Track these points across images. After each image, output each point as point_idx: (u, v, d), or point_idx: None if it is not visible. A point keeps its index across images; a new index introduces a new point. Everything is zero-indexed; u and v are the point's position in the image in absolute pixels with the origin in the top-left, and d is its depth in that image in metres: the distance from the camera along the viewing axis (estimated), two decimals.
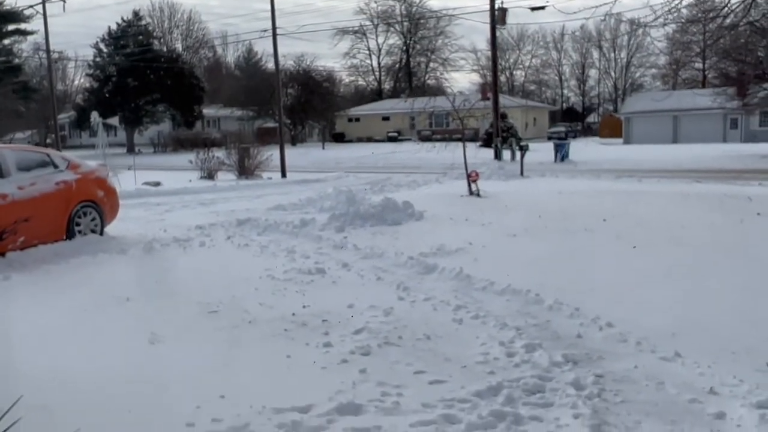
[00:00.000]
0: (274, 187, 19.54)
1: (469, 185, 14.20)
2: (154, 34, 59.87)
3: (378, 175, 22.04)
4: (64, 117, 55.72)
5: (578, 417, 3.68)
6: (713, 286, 6.43)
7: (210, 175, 22.18)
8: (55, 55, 42.61)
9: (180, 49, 67.67)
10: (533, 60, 78.03)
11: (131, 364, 4.51)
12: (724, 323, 5.31)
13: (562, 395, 3.99)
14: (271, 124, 52.10)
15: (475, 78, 76.89)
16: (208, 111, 57.84)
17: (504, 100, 43.90)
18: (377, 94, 73.82)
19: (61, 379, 4.18)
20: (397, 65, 78.15)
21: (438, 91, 57.49)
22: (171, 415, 3.66)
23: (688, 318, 5.46)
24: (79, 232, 9.20)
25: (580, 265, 7.46)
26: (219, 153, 23.30)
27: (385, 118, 59.55)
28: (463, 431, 3.56)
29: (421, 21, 72.80)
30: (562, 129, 55.86)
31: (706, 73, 54.17)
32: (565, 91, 79.19)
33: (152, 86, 47.58)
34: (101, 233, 9.56)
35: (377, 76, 79.23)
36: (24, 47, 48.44)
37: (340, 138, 60.01)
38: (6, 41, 43.51)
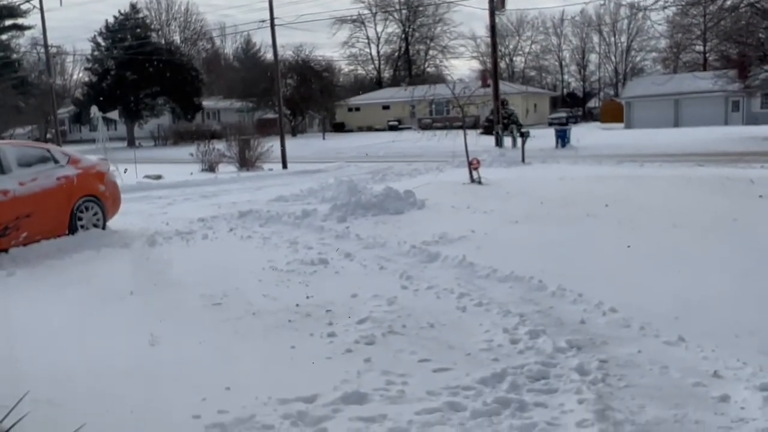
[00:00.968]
0: (275, 178, 19.54)
1: (471, 173, 14.18)
2: (152, 26, 59.70)
3: (379, 165, 22.02)
4: (64, 112, 55.68)
5: (583, 402, 3.69)
6: (715, 270, 6.43)
7: (211, 168, 22.19)
8: (53, 50, 42.50)
9: (178, 41, 67.54)
10: (533, 46, 77.69)
11: (136, 357, 4.53)
12: (727, 306, 5.31)
13: (566, 381, 4.00)
14: (271, 115, 52.03)
15: (475, 65, 76.62)
16: (207, 103, 57.76)
17: (504, 86, 43.71)
18: (377, 83, 73.59)
19: (67, 373, 4.20)
20: (397, 53, 77.86)
21: (438, 78, 57.27)
22: (177, 408, 3.67)
23: (691, 302, 5.46)
24: (82, 226, 9.23)
25: (582, 251, 7.46)
26: (219, 145, 23.30)
27: (386, 107, 59.41)
28: (468, 418, 3.57)
29: (420, 8, 72.48)
30: (563, 115, 55.75)
31: (707, 55, 53.88)
32: (566, 77, 78.87)
33: (151, 79, 47.49)
34: (103, 227, 9.58)
35: (376, 65, 79.01)
36: (21, 42, 48.40)
37: (340, 128, 59.90)
38: (3, 36, 43.44)
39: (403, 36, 76.54)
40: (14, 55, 44.87)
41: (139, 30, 50.47)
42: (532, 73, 77.43)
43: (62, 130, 49.52)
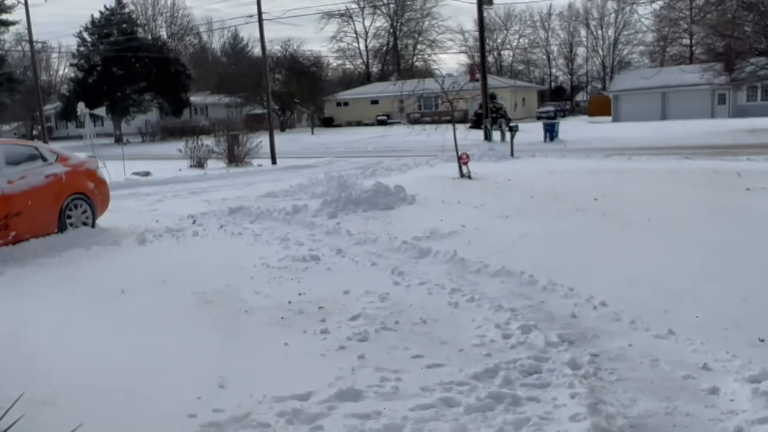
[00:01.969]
0: (265, 174, 19.48)
1: (460, 167, 14.20)
2: (138, 21, 59.17)
3: (369, 159, 22.01)
4: (50, 108, 55.19)
5: (575, 396, 3.73)
6: (704, 262, 6.50)
7: (200, 164, 22.09)
8: (38, 46, 42.07)
9: (165, 36, 67.03)
10: (521, 40, 77.79)
11: (129, 356, 4.52)
12: (716, 299, 5.37)
13: (558, 375, 4.05)
14: (259, 111, 51.85)
15: (463, 59, 76.52)
16: (195, 99, 57.41)
17: (492, 80, 43.80)
18: (365, 78, 73.45)
19: (61, 373, 4.18)
20: (385, 48, 77.75)
21: (426, 73, 57.33)
22: (172, 407, 3.68)
23: (681, 294, 5.52)
24: (71, 225, 9.17)
25: (572, 245, 7.51)
26: (208, 141, 23.18)
27: (374, 102, 59.32)
28: (462, 414, 3.60)
29: (408, 2, 72.38)
30: (551, 108, 55.89)
31: (694, 49, 54.18)
32: (554, 71, 79.03)
33: (138, 75, 47.12)
34: (93, 225, 9.53)
35: (365, 60, 78.85)
36: (6, 38, 47.87)
37: (329, 123, 59.77)
38: None
39: (391, 30, 76.44)
40: None
41: (125, 25, 50.02)
42: (520, 67, 77.58)
43: (48, 126, 49.01)
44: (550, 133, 28.29)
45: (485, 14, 34.75)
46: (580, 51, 75.77)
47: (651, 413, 3.57)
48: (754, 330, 4.60)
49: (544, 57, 77.60)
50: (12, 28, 44.26)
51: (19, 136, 47.08)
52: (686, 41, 57.08)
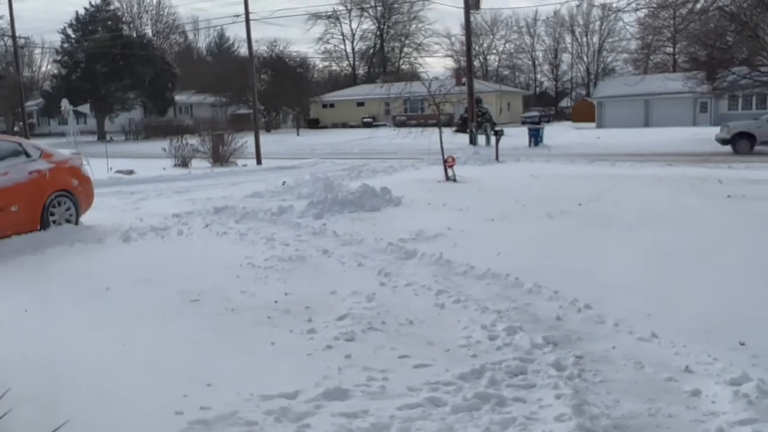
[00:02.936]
0: (250, 174, 19.43)
1: (446, 170, 14.27)
2: (123, 19, 58.70)
3: (354, 161, 22.03)
4: (32, 104, 54.52)
5: (560, 397, 3.77)
6: (686, 266, 6.59)
7: (184, 163, 21.98)
8: (21, 41, 41.59)
9: (150, 34, 66.54)
10: (507, 45, 78.26)
11: (116, 354, 4.50)
12: (698, 302, 5.45)
13: (543, 376, 4.09)
14: (244, 111, 51.64)
15: (449, 63, 76.96)
16: (180, 97, 57.08)
17: (478, 85, 43.99)
18: (352, 80, 73.44)
19: (47, 370, 4.16)
20: (371, 50, 77.81)
21: (412, 76, 57.46)
22: (159, 405, 3.66)
23: (664, 298, 5.60)
24: (54, 222, 9.10)
25: (557, 249, 7.57)
26: (192, 140, 23.07)
27: (360, 104, 59.34)
28: (449, 413, 3.63)
29: (395, 5, 72.49)
30: (536, 114, 56.32)
31: (677, 57, 54.81)
32: (539, 76, 79.59)
33: (122, 72, 46.75)
34: (76, 223, 9.45)
35: (351, 62, 78.85)
36: None
37: (314, 124, 59.69)
38: None
39: (378, 33, 76.54)
40: None
41: (110, 22, 49.63)
42: (506, 72, 78.01)
43: (30, 122, 48.47)
44: (535, 138, 28.50)
45: (472, 19, 34.92)
46: (565, 57, 76.43)
47: (634, 414, 3.62)
48: (735, 333, 4.67)
49: (530, 62, 78.15)
50: None
51: (0, 132, 46.50)
52: (669, 50, 57.78)
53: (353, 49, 78.08)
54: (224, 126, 35.33)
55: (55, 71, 51.78)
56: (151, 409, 3.62)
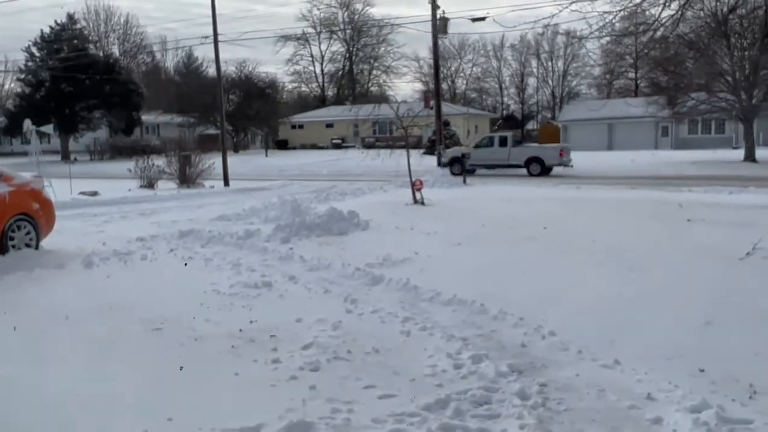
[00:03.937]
0: (217, 196, 19.27)
1: (414, 194, 14.34)
2: (90, 38, 58.04)
3: (323, 183, 22.01)
4: None
5: (524, 427, 3.78)
6: (648, 292, 6.69)
7: (150, 184, 21.70)
8: None
9: (117, 53, 65.91)
10: (474, 68, 79.42)
11: (72, 386, 4.37)
12: (660, 329, 5.53)
13: (508, 406, 4.09)
14: (212, 131, 51.27)
15: (418, 86, 77.67)
16: (147, 117, 56.40)
17: (446, 107, 44.44)
18: (321, 101, 73.62)
19: (3, 403, 4.03)
20: (341, 72, 78.22)
21: (381, 98, 57.69)
22: None
23: (626, 324, 5.67)
24: (13, 246, 8.88)
25: (522, 274, 7.64)
26: (159, 161, 22.79)
27: (329, 125, 59.45)
28: None
29: (364, 29, 73.12)
30: None
31: (639, 82, 56.27)
32: (505, 99, 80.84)
33: (88, 92, 46.09)
34: (37, 247, 9.24)
35: (320, 83, 79.12)
36: None
37: (283, 145, 59.56)
38: None
39: (347, 55, 77.02)
40: None
41: (76, 41, 48.97)
42: (473, 95, 79.07)
43: None
44: None
45: (440, 43, 35.38)
46: (531, 81, 77.83)
47: None
48: (695, 360, 4.75)
49: (497, 86, 79.37)
50: None
51: None
52: (632, 75, 59.31)
53: (322, 70, 78.47)
54: (192, 146, 34.91)
55: (19, 90, 50.83)
56: None
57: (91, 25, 64.84)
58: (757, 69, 27.13)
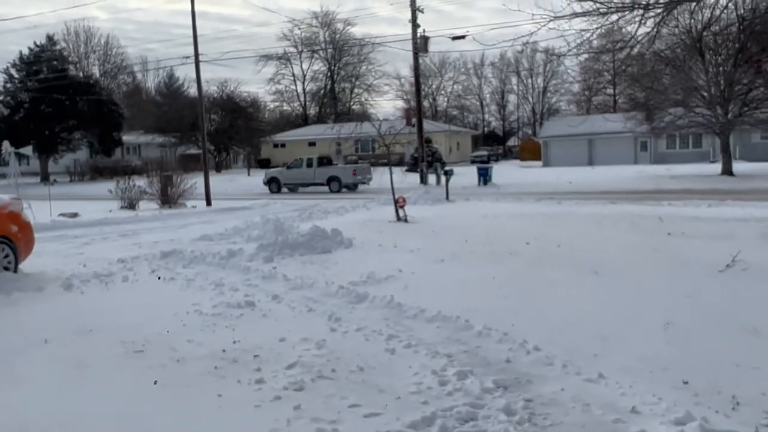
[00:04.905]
0: (199, 216, 19.15)
1: (397, 211, 14.37)
2: (70, 59, 57.82)
3: (305, 202, 21.99)
4: None
5: None
6: (630, 305, 6.74)
7: (131, 205, 21.54)
8: None
9: (97, 74, 65.68)
10: (455, 86, 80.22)
11: (53, 410, 4.30)
12: (643, 342, 5.56)
13: (494, 422, 4.08)
14: (194, 151, 51.12)
15: (400, 103, 78.17)
16: (128, 138, 56.15)
17: (428, 125, 44.75)
18: (303, 120, 73.77)
19: None
20: (322, 91, 78.50)
21: (363, 116, 57.95)
22: None
23: (609, 337, 5.69)
24: None
25: (506, 289, 7.65)
26: (140, 181, 22.67)
27: (311, 144, 59.45)
28: None
29: (345, 48, 73.56)
30: (485, 153, 57.56)
31: (617, 98, 57.08)
32: (486, 116, 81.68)
33: (68, 113, 45.83)
34: (15, 270, 9.12)
35: (302, 102, 79.33)
36: None
37: (265, 164, 59.36)
38: None
39: (329, 74, 77.38)
40: None
41: (56, 62, 48.77)
42: (455, 112, 79.72)
43: None
44: (484, 177, 29.04)
45: (421, 61, 35.68)
46: (512, 98, 78.78)
47: None
48: (678, 372, 4.78)
49: (478, 103, 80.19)
50: None
51: None
52: (610, 91, 60.14)
53: (304, 89, 78.74)
54: (173, 166, 34.83)
55: None
56: None
57: (71, 46, 64.65)
58: (731, 84, 27.64)
